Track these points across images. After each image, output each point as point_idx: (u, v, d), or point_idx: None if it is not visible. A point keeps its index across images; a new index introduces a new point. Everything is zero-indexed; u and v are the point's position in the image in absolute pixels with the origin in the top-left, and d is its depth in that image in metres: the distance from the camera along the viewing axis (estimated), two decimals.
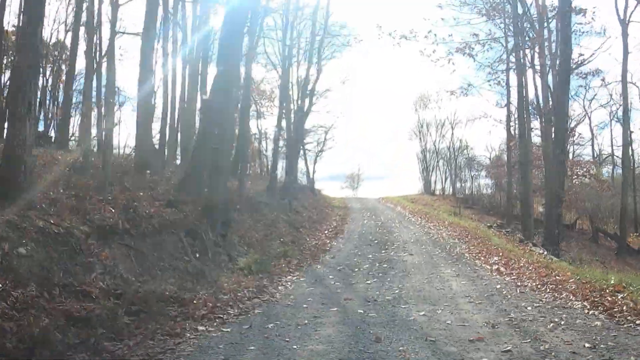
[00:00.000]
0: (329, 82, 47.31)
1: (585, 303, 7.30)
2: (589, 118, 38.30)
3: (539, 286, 8.77)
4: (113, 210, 8.60)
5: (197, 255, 9.98)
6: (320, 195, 44.57)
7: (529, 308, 7.24)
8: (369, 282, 9.67)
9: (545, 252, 14.29)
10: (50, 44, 27.83)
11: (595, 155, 38.45)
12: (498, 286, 8.95)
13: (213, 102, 12.66)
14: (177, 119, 23.06)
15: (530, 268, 10.61)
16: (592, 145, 39.30)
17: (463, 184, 43.06)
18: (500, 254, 12.95)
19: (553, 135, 18.17)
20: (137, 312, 6.17)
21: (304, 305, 7.55)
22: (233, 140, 18.82)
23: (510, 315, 6.79)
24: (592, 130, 39.54)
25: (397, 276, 10.25)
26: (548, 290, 8.40)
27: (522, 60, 21.58)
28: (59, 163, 11.91)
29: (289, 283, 9.64)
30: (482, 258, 12.41)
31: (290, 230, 17.29)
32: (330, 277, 10.31)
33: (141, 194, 10.77)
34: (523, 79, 21.21)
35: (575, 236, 28.99)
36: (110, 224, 8.09)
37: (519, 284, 9.09)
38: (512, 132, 26.76)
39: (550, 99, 20.49)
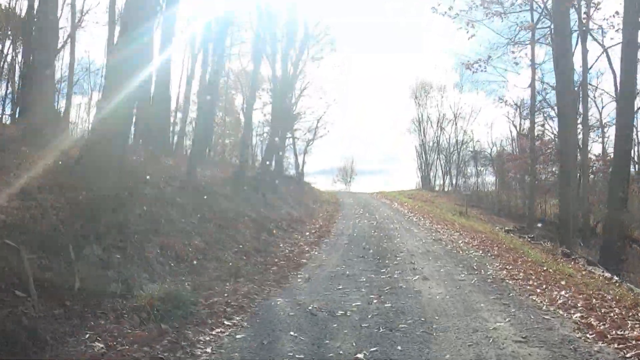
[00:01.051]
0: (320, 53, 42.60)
1: None
2: None
3: None
4: None
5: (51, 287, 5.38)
6: (309, 188, 40.00)
7: None
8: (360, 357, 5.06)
9: (616, 278, 9.79)
10: None
11: None
12: None
13: None
14: None
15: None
16: None
17: (467, 180, 38.60)
18: (563, 282, 8.41)
19: (615, 119, 13.67)
20: None
21: None
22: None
23: None
24: None
25: (414, 339, 5.63)
26: None
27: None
28: None
29: (209, 348, 5.07)
30: (538, 290, 7.84)
31: (257, 234, 12.70)
32: (292, 333, 5.69)
33: None
34: (563, 47, 16.46)
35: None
36: None
37: None
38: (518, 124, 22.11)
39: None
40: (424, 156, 43.71)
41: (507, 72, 32.82)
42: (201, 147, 20.22)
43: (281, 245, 12.80)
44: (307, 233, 15.79)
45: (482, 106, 49.54)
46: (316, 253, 12.01)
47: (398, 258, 11.04)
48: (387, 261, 10.66)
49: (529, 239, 18.40)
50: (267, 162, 20.43)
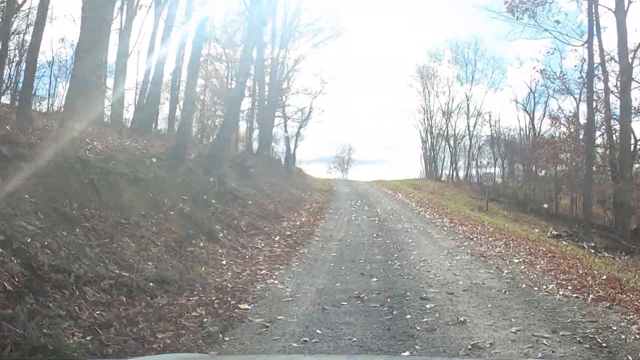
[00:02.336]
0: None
1: None
2: None
3: None
4: None
5: None
6: (300, 174, 34.69)
7: None
8: None
9: None
10: None
11: None
12: None
13: None
14: None
15: None
16: None
17: (481, 169, 33.21)
18: None
19: None
20: None
21: None
22: None
23: None
24: None
25: None
26: None
27: None
28: None
29: None
30: None
31: (179, 244, 7.30)
32: None
33: None
34: None
35: None
36: None
37: None
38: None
39: None
40: (429, 141, 38.30)
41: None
42: (142, 116, 14.84)
43: (222, 263, 7.45)
44: (278, 237, 10.44)
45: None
46: (277, 284, 6.65)
47: (427, 307, 5.62)
48: (408, 317, 5.26)
49: (589, 248, 13.11)
50: (226, 139, 14.92)
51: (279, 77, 29.50)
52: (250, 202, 13.32)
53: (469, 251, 9.45)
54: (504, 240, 11.04)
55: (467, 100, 34.61)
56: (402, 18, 60.40)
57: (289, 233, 11.12)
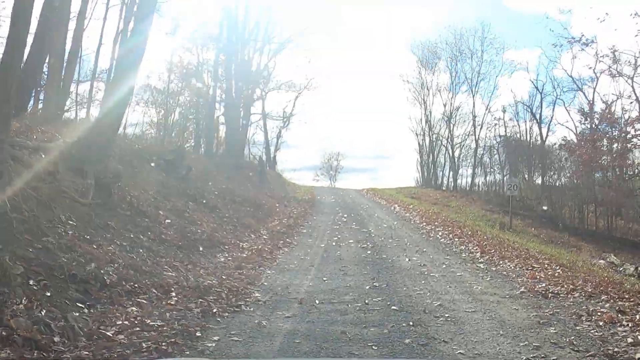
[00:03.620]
0: None
1: None
2: None
3: None
4: None
5: None
6: (279, 181, 29.55)
7: None
8: None
9: None
10: None
11: None
12: None
13: None
14: None
15: None
16: None
17: (489, 177, 28.22)
18: None
19: None
20: None
21: None
22: None
23: None
24: None
25: None
26: None
27: None
28: None
29: None
30: None
31: None
32: None
33: None
34: None
35: None
36: None
37: None
38: None
39: None
40: (427, 145, 33.28)
41: None
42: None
43: None
44: (176, 298, 5.21)
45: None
46: None
47: None
48: None
49: None
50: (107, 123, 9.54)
51: (252, 63, 24.36)
52: (165, 220, 8.11)
53: (555, 339, 4.29)
54: (587, 294, 5.91)
55: (473, 94, 29.67)
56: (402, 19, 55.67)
57: (208, 283, 5.90)
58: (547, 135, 28.90)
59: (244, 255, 8.24)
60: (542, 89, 28.49)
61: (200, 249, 7.83)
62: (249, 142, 34.68)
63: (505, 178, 27.12)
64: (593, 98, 25.97)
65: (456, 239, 11.10)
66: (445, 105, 30.66)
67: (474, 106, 29.82)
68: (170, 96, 25.75)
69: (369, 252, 9.01)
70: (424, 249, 9.55)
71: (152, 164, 10.48)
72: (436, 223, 14.12)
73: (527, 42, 52.94)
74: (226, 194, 13.69)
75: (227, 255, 8.14)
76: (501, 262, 8.36)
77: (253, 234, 10.81)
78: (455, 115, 30.37)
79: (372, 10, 50.33)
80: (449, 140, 30.29)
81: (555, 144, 28.29)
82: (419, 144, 33.75)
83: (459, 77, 30.26)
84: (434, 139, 32.15)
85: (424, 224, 14.14)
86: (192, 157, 17.89)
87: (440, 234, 12.06)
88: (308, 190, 27.82)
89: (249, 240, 9.95)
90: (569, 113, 33.62)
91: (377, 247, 9.65)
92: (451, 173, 30.91)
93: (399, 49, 64.86)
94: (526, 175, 27.58)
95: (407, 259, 8.32)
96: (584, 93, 27.92)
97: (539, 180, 26.90)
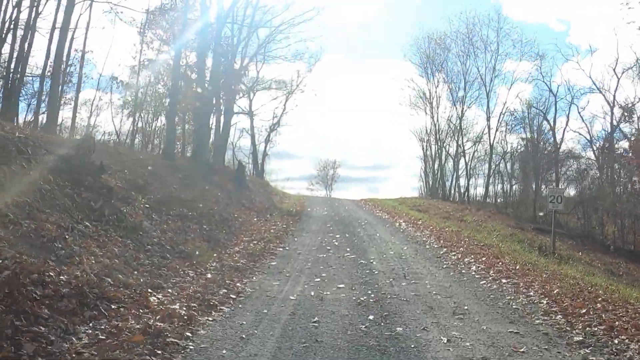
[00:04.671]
0: None
1: None
2: None
3: None
4: None
5: None
6: (265, 189, 25.63)
7: None
8: None
9: None
10: None
11: None
12: None
13: None
14: None
15: None
16: None
17: (503, 185, 24.31)
18: None
19: None
20: None
21: None
22: None
23: None
24: None
25: None
26: None
27: None
28: None
29: None
30: None
31: None
32: None
33: None
34: None
35: None
36: None
37: None
38: None
39: None
40: (432, 149, 29.38)
41: None
42: None
43: None
44: None
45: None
46: None
47: None
48: None
49: None
50: None
51: (231, 49, 20.52)
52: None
53: None
54: None
55: (487, 91, 25.79)
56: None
57: None
58: (561, 141, 25.21)
59: (138, 326, 4.25)
60: (557, 92, 24.83)
61: (48, 316, 3.87)
62: (233, 146, 30.75)
63: (522, 186, 23.24)
64: (614, 101, 22.38)
65: (503, 280, 7.12)
66: (455, 104, 26.83)
67: (487, 105, 25.94)
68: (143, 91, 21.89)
69: (370, 317, 5.01)
70: (463, 304, 5.58)
71: (32, 162, 6.50)
72: (461, 249, 10.17)
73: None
74: (169, 206, 9.72)
75: (103, 327, 4.16)
76: (611, 338, 4.39)
77: (191, 271, 6.86)
78: (463, 117, 26.50)
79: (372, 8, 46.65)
80: (460, 144, 26.33)
81: (566, 150, 24.73)
82: (423, 150, 29.94)
83: (471, 74, 26.48)
84: (441, 145, 28.24)
85: (445, 249, 10.18)
86: (141, 157, 13.95)
87: (473, 268, 8.10)
88: (298, 201, 23.87)
89: (176, 284, 5.98)
90: (582, 118, 29.83)
91: (385, 302, 5.68)
92: (459, 182, 26.92)
93: (400, 51, 61.19)
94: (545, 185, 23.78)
95: (443, 341, 4.32)
96: (604, 96, 24.41)
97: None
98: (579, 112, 25.51)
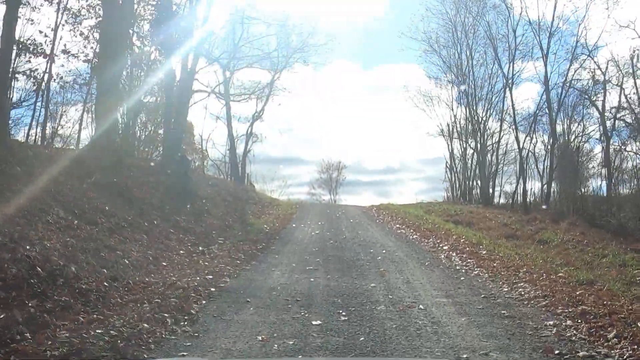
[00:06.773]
0: None
1: None
2: None
3: None
4: None
5: None
6: (243, 195, 18.39)
7: None
8: None
9: None
10: None
11: None
12: None
13: None
14: None
15: None
16: None
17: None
18: None
19: None
20: None
21: None
22: None
23: None
24: None
25: None
26: None
27: None
28: None
29: None
30: None
31: None
32: None
33: None
34: None
35: None
36: None
37: None
38: None
39: None
40: (462, 143, 21.98)
41: None
42: None
43: None
44: None
45: None
46: None
47: None
48: None
49: None
50: None
51: None
52: None
53: None
54: None
55: (509, 84, 18.13)
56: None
57: None
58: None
59: None
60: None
61: None
62: (201, 138, 23.03)
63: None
64: None
65: None
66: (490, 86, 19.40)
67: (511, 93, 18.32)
68: None
69: None
70: None
71: None
72: None
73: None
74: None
75: None
76: None
77: None
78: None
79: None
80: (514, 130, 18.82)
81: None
82: (448, 147, 22.27)
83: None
84: (482, 133, 20.80)
85: None
86: None
87: None
88: (286, 211, 16.57)
89: None
90: (599, 110, 21.55)
91: None
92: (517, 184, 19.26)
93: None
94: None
95: None
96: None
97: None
98: (598, 108, 18.00)
